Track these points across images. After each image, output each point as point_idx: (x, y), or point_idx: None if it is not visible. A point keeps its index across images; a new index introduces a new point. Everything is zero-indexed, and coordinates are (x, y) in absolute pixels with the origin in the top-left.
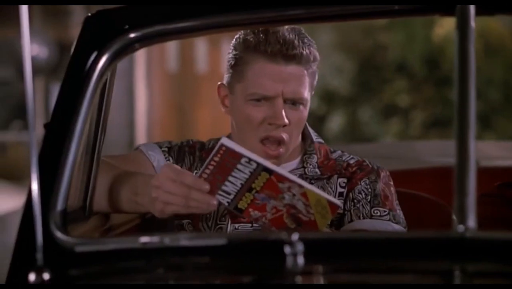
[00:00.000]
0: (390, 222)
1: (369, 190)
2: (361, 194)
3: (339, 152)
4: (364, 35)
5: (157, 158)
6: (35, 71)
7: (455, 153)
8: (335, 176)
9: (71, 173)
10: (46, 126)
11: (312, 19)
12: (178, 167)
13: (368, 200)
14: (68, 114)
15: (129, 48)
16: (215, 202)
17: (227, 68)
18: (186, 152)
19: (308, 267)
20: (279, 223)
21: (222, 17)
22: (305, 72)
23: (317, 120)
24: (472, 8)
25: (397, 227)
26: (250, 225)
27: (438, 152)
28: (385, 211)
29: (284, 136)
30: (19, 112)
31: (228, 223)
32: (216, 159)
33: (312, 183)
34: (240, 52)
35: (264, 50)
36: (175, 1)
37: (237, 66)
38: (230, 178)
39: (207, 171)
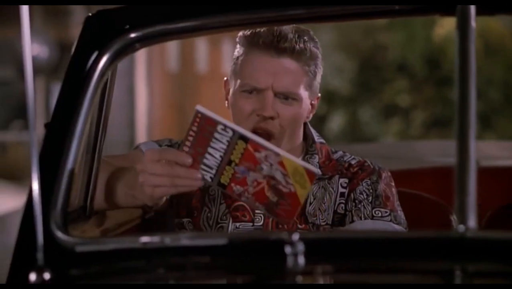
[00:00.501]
0: (391, 223)
1: (371, 190)
2: (362, 194)
3: (340, 152)
4: (364, 35)
5: None
6: (36, 71)
7: (456, 153)
8: (337, 176)
9: (71, 173)
10: (46, 126)
11: (312, 19)
12: (161, 148)
13: (370, 200)
14: (68, 114)
15: (130, 48)
16: (199, 176)
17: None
18: None
19: (309, 267)
20: (262, 197)
21: (222, 17)
22: (300, 68)
23: (317, 120)
24: (472, 8)
25: (398, 227)
26: (251, 224)
27: (438, 152)
28: (386, 212)
29: (274, 129)
30: (20, 112)
31: (229, 222)
32: (194, 128)
33: (313, 183)
34: (239, 45)
35: (257, 42)
36: (176, 1)
37: (236, 59)
38: (210, 150)
39: (188, 143)
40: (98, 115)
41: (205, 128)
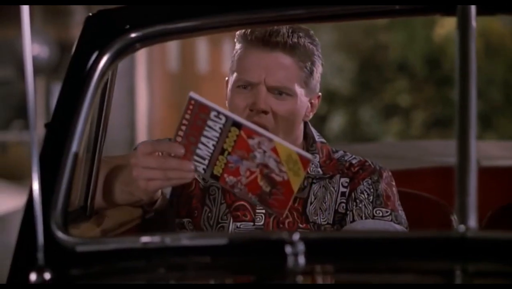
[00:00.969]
0: (392, 223)
1: (372, 190)
2: (363, 194)
3: (341, 152)
4: (365, 35)
5: None
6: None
7: (456, 153)
8: (338, 176)
9: (72, 173)
10: (47, 125)
11: (313, 19)
12: (154, 140)
13: (370, 200)
14: (69, 114)
15: (130, 48)
16: (192, 167)
17: None
18: None
19: (309, 267)
20: (255, 187)
21: (222, 17)
22: (294, 63)
23: (317, 120)
24: (473, 8)
25: (398, 227)
26: (252, 223)
27: (439, 152)
28: (387, 212)
29: (268, 124)
30: (20, 112)
31: (230, 221)
32: (187, 116)
33: (314, 183)
34: (237, 43)
35: (250, 37)
36: (176, 1)
37: (233, 56)
38: (203, 139)
39: (180, 132)
40: (98, 115)
41: (198, 116)
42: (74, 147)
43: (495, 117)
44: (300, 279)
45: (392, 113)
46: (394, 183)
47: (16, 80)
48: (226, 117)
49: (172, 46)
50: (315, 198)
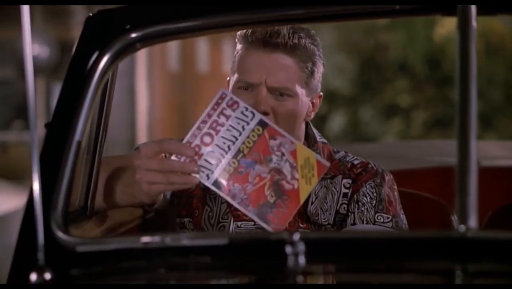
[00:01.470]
0: (392, 230)
1: (374, 194)
2: (365, 197)
3: (342, 152)
4: (365, 35)
5: None
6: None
7: (456, 153)
8: (340, 177)
9: (72, 173)
10: (47, 126)
11: (313, 19)
12: (161, 139)
13: (373, 204)
14: (69, 114)
15: (130, 48)
16: (196, 169)
17: None
18: None
19: (309, 267)
20: (259, 196)
21: (222, 17)
22: (295, 64)
23: (318, 120)
24: (473, 8)
25: None
26: (252, 223)
27: (439, 152)
28: (388, 218)
29: None
30: (20, 112)
31: (230, 221)
32: (211, 112)
33: (320, 178)
34: (238, 43)
35: (251, 38)
36: (176, 1)
37: (234, 57)
38: (219, 140)
39: (197, 132)
40: (98, 115)
41: (223, 113)
42: (74, 147)
43: (496, 117)
44: (300, 279)
45: (393, 113)
46: (395, 187)
47: (16, 80)
48: (254, 114)
49: (172, 46)
50: (316, 198)
